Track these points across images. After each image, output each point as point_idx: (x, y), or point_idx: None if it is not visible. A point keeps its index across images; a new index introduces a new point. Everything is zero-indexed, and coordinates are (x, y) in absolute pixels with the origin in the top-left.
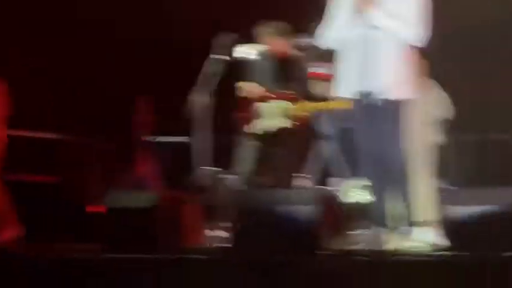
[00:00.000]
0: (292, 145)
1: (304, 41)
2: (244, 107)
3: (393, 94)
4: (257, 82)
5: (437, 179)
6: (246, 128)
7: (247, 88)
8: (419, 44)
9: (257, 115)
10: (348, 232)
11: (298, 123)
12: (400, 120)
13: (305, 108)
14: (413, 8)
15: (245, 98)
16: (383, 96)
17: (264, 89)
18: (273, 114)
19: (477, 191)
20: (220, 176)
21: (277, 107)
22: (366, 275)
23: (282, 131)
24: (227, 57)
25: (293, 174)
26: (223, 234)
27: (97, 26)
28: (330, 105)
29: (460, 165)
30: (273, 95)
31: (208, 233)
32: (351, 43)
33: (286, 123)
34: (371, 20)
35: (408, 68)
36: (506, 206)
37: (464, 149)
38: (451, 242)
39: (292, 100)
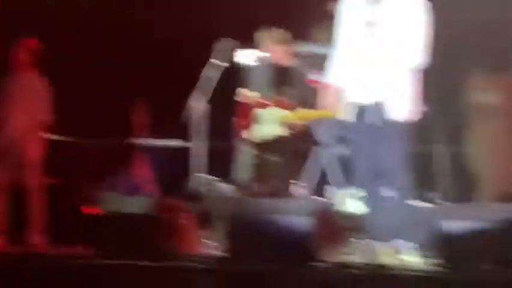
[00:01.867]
0: (289, 153)
1: (305, 48)
2: (242, 114)
3: (396, 114)
4: (256, 89)
5: (431, 193)
6: (244, 135)
7: (246, 94)
8: (422, 67)
9: (255, 122)
10: (342, 243)
11: (295, 131)
12: (402, 139)
13: (302, 116)
14: (418, 32)
15: (243, 105)
16: (386, 114)
17: (261, 96)
18: (270, 122)
19: (471, 206)
20: (216, 183)
21: (274, 114)
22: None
23: (278, 139)
24: (226, 63)
25: (290, 183)
26: (218, 243)
27: (95, 25)
28: (327, 113)
29: (454, 179)
30: (270, 102)
31: (204, 241)
32: (357, 55)
33: (283, 131)
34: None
35: (411, 89)
36: (500, 222)
37: (458, 163)
38: (444, 258)
39: (290, 108)
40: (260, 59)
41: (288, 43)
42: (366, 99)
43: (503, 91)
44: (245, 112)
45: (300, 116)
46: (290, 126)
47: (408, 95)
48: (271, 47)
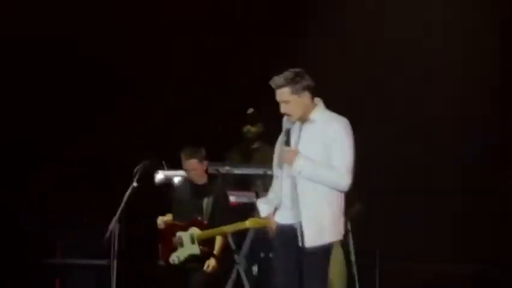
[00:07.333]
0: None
1: (222, 168)
2: (164, 239)
3: (316, 240)
4: (178, 208)
5: None
6: (166, 258)
7: (159, 222)
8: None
9: (179, 245)
10: None
11: (206, 248)
12: (321, 264)
13: (210, 232)
14: (340, 157)
15: (163, 230)
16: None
17: (171, 219)
18: (188, 242)
19: None
20: None
21: (192, 234)
22: None
23: (191, 258)
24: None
25: None
26: None
27: None
28: (233, 227)
29: None
30: (184, 223)
31: None
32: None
33: (195, 250)
34: (297, 170)
35: (333, 211)
36: None
37: None
38: None
39: (200, 226)
40: (182, 179)
41: (197, 158)
42: (287, 219)
43: None
44: (166, 237)
45: (209, 232)
46: (201, 243)
47: (331, 217)
48: (184, 162)
